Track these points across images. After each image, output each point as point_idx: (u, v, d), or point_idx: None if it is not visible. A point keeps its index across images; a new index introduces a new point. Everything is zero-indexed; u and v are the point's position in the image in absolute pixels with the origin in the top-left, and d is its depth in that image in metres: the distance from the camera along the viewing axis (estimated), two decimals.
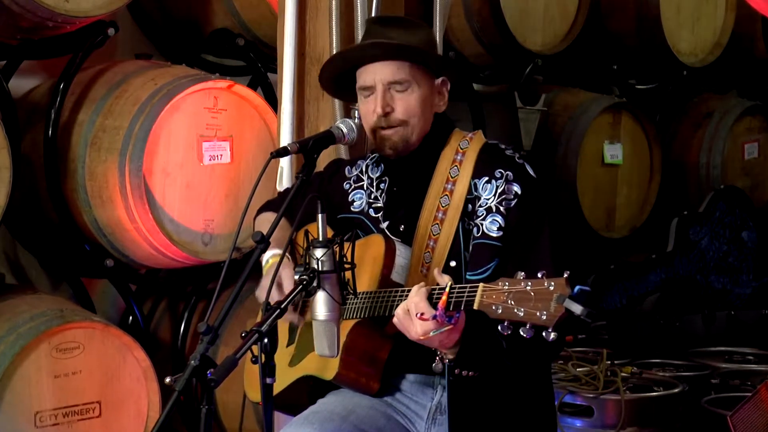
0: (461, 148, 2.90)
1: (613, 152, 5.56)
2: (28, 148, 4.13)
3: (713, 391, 4.52)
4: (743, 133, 6.24)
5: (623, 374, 4.31)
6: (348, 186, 3.08)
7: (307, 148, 2.79)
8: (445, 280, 2.57)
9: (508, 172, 2.82)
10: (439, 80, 2.92)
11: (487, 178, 2.83)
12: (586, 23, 5.49)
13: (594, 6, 5.55)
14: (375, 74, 2.85)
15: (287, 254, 2.93)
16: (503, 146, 2.94)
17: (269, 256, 2.96)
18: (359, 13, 3.73)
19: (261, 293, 2.90)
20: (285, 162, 3.80)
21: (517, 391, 2.83)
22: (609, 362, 4.35)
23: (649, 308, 5.43)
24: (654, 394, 4.27)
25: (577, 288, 2.31)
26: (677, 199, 6.05)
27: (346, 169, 3.12)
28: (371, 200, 3.02)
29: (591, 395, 4.18)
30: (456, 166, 2.88)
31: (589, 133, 5.45)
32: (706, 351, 5.11)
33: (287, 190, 2.76)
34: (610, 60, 5.90)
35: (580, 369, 4.35)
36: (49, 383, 3.73)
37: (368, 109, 2.88)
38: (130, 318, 4.39)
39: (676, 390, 4.30)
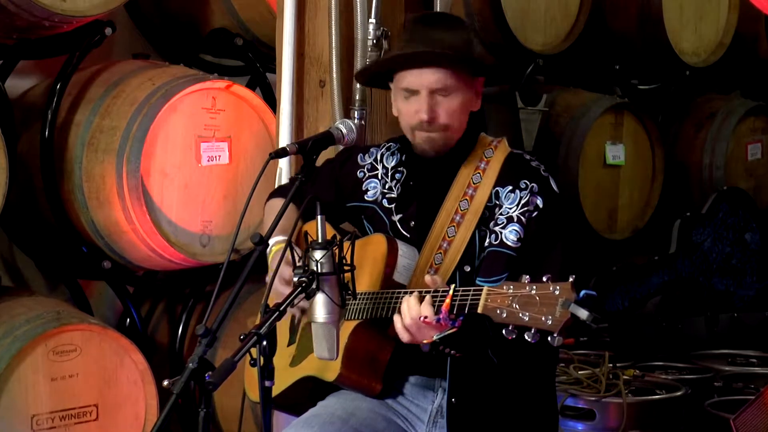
0: (486, 157, 2.90)
1: (615, 153, 5.54)
2: (24, 149, 4.11)
3: (716, 394, 4.49)
4: (747, 133, 6.20)
5: (625, 377, 4.29)
6: (362, 174, 3.06)
7: (306, 149, 2.78)
8: (438, 282, 2.57)
9: (533, 184, 2.82)
10: (477, 80, 2.90)
11: (511, 188, 2.82)
12: (588, 23, 5.47)
13: (596, 5, 5.53)
14: (421, 79, 2.82)
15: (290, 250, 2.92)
16: (528, 156, 2.94)
17: (273, 243, 2.95)
18: (359, 12, 3.71)
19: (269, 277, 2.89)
20: (284, 163, 3.79)
21: (519, 394, 2.83)
22: (611, 365, 4.32)
23: (651, 310, 5.41)
24: (656, 397, 4.25)
25: (582, 292, 2.30)
26: (680, 200, 6.02)
27: (359, 156, 3.10)
28: (385, 190, 3.01)
29: (593, 398, 4.16)
30: (479, 173, 2.87)
31: (590, 134, 5.43)
32: (709, 354, 5.09)
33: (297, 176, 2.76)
34: (612, 60, 5.88)
35: (581, 372, 4.32)
36: (45, 386, 3.71)
37: (410, 110, 2.85)
38: (128, 320, 4.38)
39: (679, 393, 4.27)
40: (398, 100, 2.90)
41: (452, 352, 2.66)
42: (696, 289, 5.58)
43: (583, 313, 2.27)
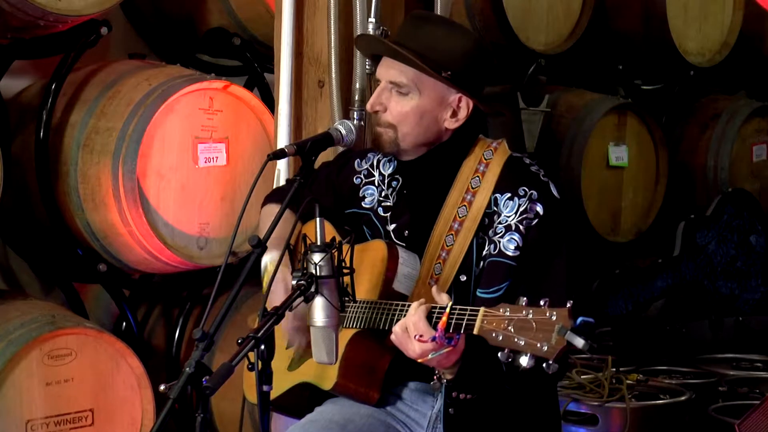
0: (485, 159, 2.84)
1: (619, 154, 5.53)
2: (18, 150, 4.09)
3: (721, 399, 4.47)
4: (752, 134, 6.19)
5: (628, 382, 4.27)
6: (359, 180, 3.03)
7: (304, 150, 2.75)
8: (445, 300, 2.53)
9: (532, 191, 2.75)
10: (454, 96, 2.80)
11: (509, 195, 2.77)
12: (591, 22, 5.47)
13: (599, 5, 5.54)
14: (382, 69, 2.83)
15: (287, 259, 2.89)
16: (528, 161, 2.88)
17: (267, 261, 2.91)
18: (358, 11, 3.68)
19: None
20: (282, 164, 3.77)
21: (519, 400, 2.78)
22: (614, 369, 4.31)
23: (655, 314, 5.42)
24: (660, 402, 4.23)
25: (579, 319, 2.27)
26: (684, 202, 6.01)
27: (356, 162, 3.07)
28: (382, 198, 2.98)
29: (595, 403, 4.14)
30: (478, 176, 2.82)
31: (593, 135, 5.42)
32: (714, 358, 5.07)
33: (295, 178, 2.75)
34: (615, 60, 5.88)
35: (584, 376, 4.30)
36: (40, 391, 3.68)
37: None
38: (124, 324, 4.35)
39: (683, 398, 4.25)
40: None
41: (468, 396, 2.64)
42: (700, 293, 5.58)
43: (579, 342, 2.23)
